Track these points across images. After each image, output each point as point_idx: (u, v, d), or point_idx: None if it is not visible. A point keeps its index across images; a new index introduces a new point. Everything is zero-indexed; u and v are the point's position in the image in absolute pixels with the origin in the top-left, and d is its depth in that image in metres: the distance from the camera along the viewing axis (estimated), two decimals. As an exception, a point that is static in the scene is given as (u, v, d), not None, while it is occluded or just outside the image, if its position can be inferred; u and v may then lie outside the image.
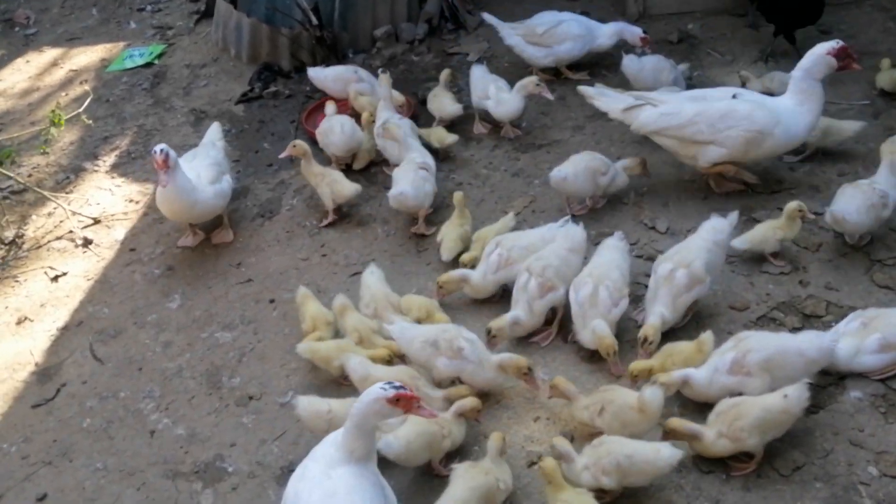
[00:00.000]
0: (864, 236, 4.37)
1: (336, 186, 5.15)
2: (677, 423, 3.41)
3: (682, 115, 4.68)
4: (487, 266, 4.33)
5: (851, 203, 4.23)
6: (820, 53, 4.47)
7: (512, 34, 6.28)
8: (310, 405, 3.65)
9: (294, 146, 5.20)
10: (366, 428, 2.92)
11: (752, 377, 3.49)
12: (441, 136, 5.59)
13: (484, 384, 3.79)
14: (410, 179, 4.86)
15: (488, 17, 6.38)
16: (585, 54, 6.22)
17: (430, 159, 5.13)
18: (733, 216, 4.27)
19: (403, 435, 3.42)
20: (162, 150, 4.60)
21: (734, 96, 4.73)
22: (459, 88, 6.23)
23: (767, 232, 4.35)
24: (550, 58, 6.19)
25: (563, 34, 6.12)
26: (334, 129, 5.47)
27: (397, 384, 2.89)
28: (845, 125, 5.00)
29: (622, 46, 6.08)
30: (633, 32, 6.03)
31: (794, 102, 4.59)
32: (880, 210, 4.25)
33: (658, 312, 3.89)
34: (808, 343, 3.54)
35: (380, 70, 5.73)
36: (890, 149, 4.46)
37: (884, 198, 4.27)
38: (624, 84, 5.93)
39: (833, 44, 4.46)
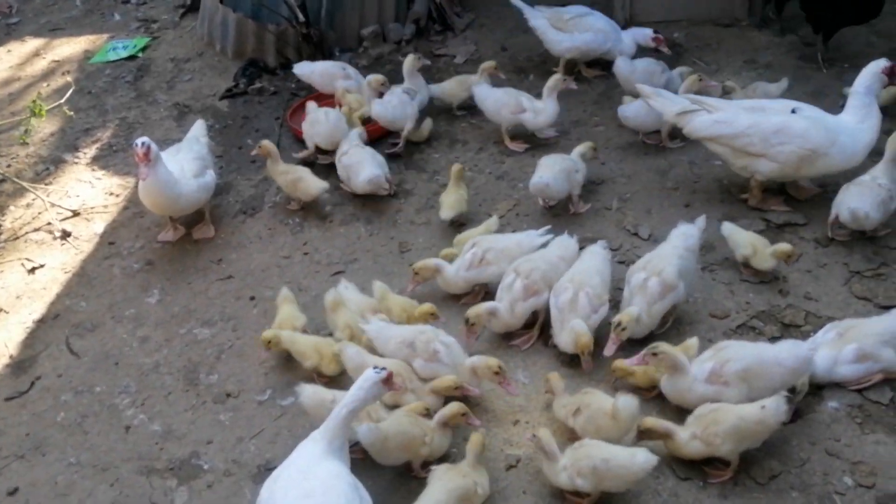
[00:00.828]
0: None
1: (301, 184, 5.15)
2: (652, 421, 3.43)
3: (735, 124, 4.62)
4: (461, 262, 4.35)
5: (866, 200, 4.36)
6: (875, 71, 4.58)
7: (538, 16, 6.26)
8: (314, 394, 3.64)
9: (260, 147, 5.22)
10: (359, 411, 3.23)
11: (729, 387, 3.50)
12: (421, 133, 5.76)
13: None
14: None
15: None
16: (604, 53, 6.18)
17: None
18: (701, 220, 4.30)
19: (384, 429, 3.41)
20: (143, 143, 4.58)
21: (793, 111, 4.66)
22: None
23: (746, 244, 4.33)
24: (567, 44, 6.16)
25: (587, 25, 6.14)
26: (319, 119, 5.47)
27: (382, 367, 3.30)
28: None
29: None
30: (644, 35, 6.08)
31: (855, 119, 4.58)
32: (889, 204, 4.41)
33: (637, 307, 3.92)
34: (786, 353, 3.55)
35: (411, 53, 5.89)
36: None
37: (889, 191, 4.43)
38: (615, 88, 5.96)
39: (884, 62, 4.59)
